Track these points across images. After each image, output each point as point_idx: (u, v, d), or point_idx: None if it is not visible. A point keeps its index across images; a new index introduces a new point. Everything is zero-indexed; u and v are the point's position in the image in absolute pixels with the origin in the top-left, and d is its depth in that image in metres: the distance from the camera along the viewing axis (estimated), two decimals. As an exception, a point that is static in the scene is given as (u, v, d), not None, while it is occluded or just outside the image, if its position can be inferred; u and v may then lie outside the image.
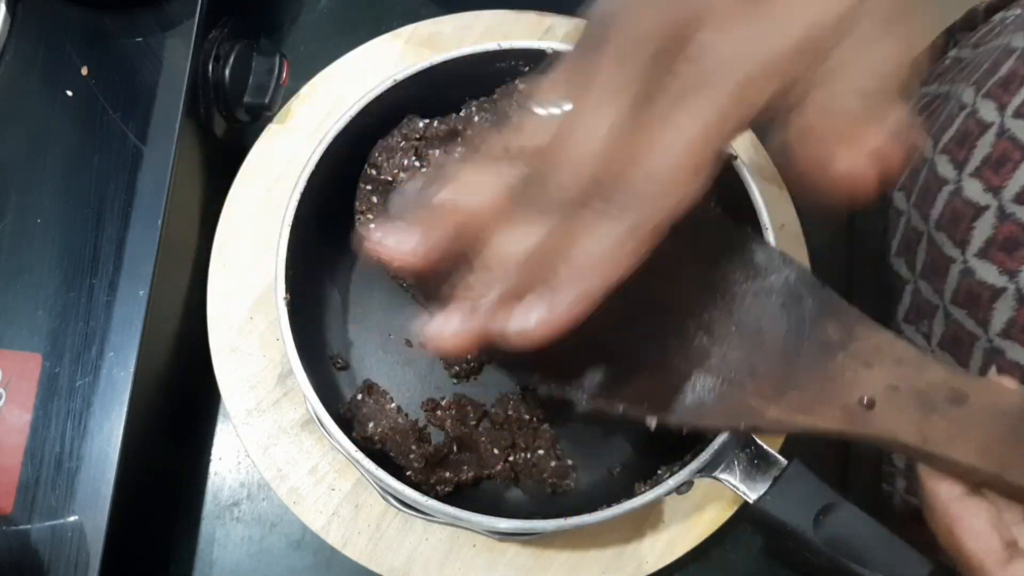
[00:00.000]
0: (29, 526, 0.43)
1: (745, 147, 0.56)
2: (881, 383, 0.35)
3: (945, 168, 0.52)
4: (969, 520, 0.34)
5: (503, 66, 0.51)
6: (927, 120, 0.60)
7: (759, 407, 0.34)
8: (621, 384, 0.34)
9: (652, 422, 0.34)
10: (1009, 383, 0.36)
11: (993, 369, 0.47)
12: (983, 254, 0.48)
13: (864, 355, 0.35)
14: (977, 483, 0.35)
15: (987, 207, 0.48)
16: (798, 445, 0.50)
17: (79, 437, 0.44)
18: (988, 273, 0.47)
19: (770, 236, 0.46)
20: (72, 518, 0.43)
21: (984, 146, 0.49)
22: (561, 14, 0.58)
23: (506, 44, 0.49)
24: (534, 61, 0.50)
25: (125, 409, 0.44)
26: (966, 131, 0.51)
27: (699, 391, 0.35)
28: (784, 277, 0.36)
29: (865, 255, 0.58)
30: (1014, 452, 0.34)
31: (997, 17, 0.62)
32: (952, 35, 0.71)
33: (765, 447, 0.44)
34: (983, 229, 0.48)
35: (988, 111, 0.50)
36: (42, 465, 0.43)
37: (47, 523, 0.43)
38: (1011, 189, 0.46)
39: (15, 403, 0.44)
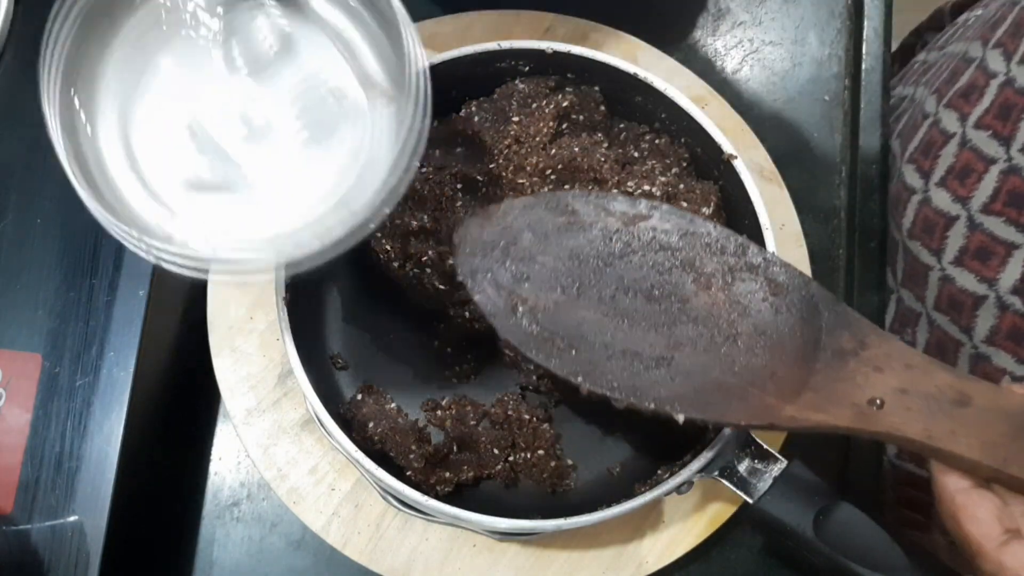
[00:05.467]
0: (29, 526, 0.43)
1: (745, 147, 0.56)
2: (891, 386, 0.38)
3: (912, 177, 0.53)
4: (972, 509, 0.36)
5: (503, 66, 0.51)
6: (896, 123, 0.60)
7: (777, 406, 0.38)
8: (654, 385, 0.39)
9: (681, 418, 0.39)
10: (1020, 390, 0.38)
11: (1007, 378, 0.48)
12: (959, 262, 0.49)
13: (875, 361, 0.39)
14: (984, 477, 0.37)
15: (957, 217, 0.49)
16: (798, 445, 0.50)
17: (79, 437, 0.44)
18: (967, 281, 0.49)
19: (770, 236, 0.46)
20: (72, 518, 0.43)
21: (948, 156, 0.50)
22: (561, 14, 0.58)
23: (506, 44, 0.49)
24: (534, 61, 0.50)
25: (125, 409, 0.44)
26: (930, 140, 0.52)
27: (725, 392, 0.39)
28: (802, 294, 0.41)
29: (864, 256, 0.58)
30: (1017, 448, 0.36)
31: (961, 18, 0.63)
32: (920, 35, 0.71)
33: (765, 447, 0.44)
34: (956, 239, 0.49)
35: (950, 121, 0.50)
36: (42, 465, 0.43)
37: (47, 523, 0.43)
38: (978, 199, 0.47)
39: (15, 403, 0.44)
